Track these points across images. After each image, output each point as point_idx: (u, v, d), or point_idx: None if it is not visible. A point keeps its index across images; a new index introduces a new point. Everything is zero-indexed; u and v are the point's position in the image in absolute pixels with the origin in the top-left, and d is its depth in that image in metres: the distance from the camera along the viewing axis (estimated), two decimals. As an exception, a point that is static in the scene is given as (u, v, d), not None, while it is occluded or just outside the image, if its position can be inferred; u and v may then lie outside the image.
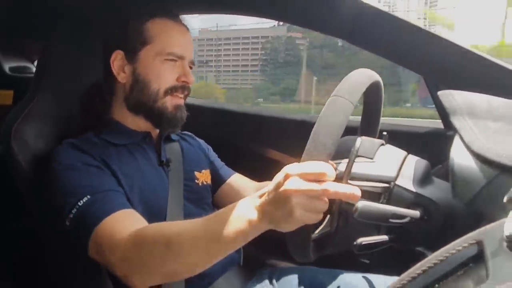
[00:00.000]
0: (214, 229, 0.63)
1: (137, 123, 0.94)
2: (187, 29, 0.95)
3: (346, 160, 0.68)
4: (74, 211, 0.75)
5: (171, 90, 0.90)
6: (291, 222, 0.57)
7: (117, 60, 0.91)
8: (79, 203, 0.75)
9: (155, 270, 0.68)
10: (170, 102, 0.90)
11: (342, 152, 0.70)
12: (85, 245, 0.75)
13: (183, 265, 0.68)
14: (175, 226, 0.72)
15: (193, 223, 0.67)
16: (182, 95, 0.93)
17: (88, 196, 0.76)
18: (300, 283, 0.95)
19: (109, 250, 0.72)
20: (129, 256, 0.69)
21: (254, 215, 0.60)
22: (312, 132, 0.60)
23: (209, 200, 1.02)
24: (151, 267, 0.68)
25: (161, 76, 0.89)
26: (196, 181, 0.99)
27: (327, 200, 0.57)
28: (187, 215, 0.89)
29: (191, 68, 0.94)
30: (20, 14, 1.16)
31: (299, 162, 0.61)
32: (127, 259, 0.69)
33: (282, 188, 0.56)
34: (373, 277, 0.90)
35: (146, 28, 0.90)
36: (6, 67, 1.73)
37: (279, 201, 0.57)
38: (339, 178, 0.67)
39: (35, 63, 1.84)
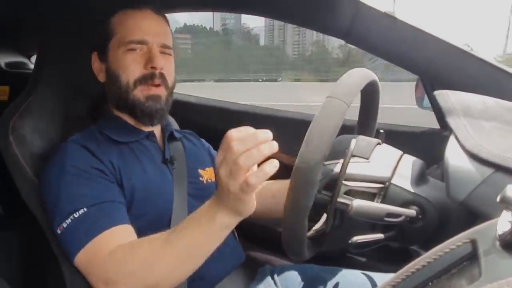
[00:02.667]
0: (188, 241, 0.68)
1: (134, 121, 0.93)
2: (155, 13, 0.91)
3: (342, 161, 0.68)
4: (68, 221, 0.75)
5: (140, 81, 0.87)
6: (248, 187, 0.58)
7: (95, 62, 0.93)
8: (74, 215, 0.75)
9: (138, 285, 0.70)
10: (141, 93, 0.88)
11: (338, 152, 0.70)
12: (73, 256, 0.75)
13: (164, 277, 0.70)
14: (150, 242, 0.71)
15: (167, 237, 0.69)
16: (156, 84, 0.87)
17: (85, 209, 0.75)
18: (300, 280, 0.95)
19: (92, 267, 0.73)
20: (110, 275, 0.71)
21: (218, 212, 0.64)
22: (306, 134, 0.61)
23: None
24: (134, 283, 0.70)
25: (127, 67, 0.87)
26: (200, 178, 0.98)
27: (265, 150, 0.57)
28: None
29: (165, 52, 0.90)
30: (16, 9, 1.16)
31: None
32: (108, 278, 0.71)
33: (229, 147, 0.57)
34: (371, 274, 0.91)
35: (109, 24, 0.91)
36: (2, 62, 1.73)
37: (231, 169, 0.57)
38: (334, 180, 0.68)
39: (32, 58, 1.83)
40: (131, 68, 0.86)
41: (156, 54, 0.87)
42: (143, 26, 0.88)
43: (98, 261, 0.72)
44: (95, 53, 0.92)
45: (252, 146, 0.56)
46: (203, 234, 0.67)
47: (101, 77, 0.92)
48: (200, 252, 0.70)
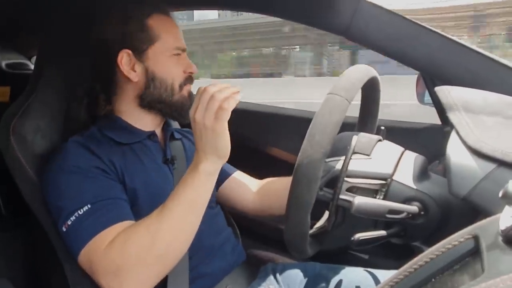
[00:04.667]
0: (180, 202, 0.73)
1: (143, 120, 0.93)
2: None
3: (343, 158, 0.68)
4: (72, 218, 0.75)
5: (184, 83, 0.92)
6: (223, 112, 0.69)
7: (124, 59, 0.89)
8: (79, 212, 0.75)
9: (145, 261, 0.71)
10: (186, 92, 0.93)
11: (339, 149, 0.70)
12: (77, 253, 0.75)
13: (169, 243, 0.72)
14: (147, 218, 0.75)
15: (161, 207, 0.74)
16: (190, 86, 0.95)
17: (89, 206, 0.76)
18: (303, 278, 0.96)
19: (95, 262, 0.73)
20: (115, 262, 0.71)
21: (199, 162, 0.74)
22: (308, 130, 0.61)
23: (214, 197, 1.02)
24: (141, 259, 0.70)
25: (172, 71, 0.91)
26: None
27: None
28: None
29: None
30: (16, 9, 1.16)
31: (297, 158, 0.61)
32: (115, 266, 0.71)
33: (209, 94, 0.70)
34: (374, 271, 0.91)
35: (149, 26, 0.90)
36: (3, 63, 1.73)
37: (207, 106, 0.70)
38: (336, 176, 0.68)
39: (32, 59, 1.83)
40: (176, 72, 0.91)
41: (190, 61, 0.94)
42: (181, 34, 0.95)
43: (100, 255, 0.72)
44: (127, 51, 0.88)
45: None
46: (192, 190, 0.74)
47: (134, 76, 0.89)
48: (195, 208, 0.75)
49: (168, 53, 0.90)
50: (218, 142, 0.72)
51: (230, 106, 0.70)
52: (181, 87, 0.91)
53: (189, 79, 0.93)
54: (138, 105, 0.92)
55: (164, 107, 0.92)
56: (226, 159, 0.75)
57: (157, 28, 0.90)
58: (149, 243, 0.71)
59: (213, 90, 0.70)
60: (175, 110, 0.92)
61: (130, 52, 0.89)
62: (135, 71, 0.90)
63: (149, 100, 0.91)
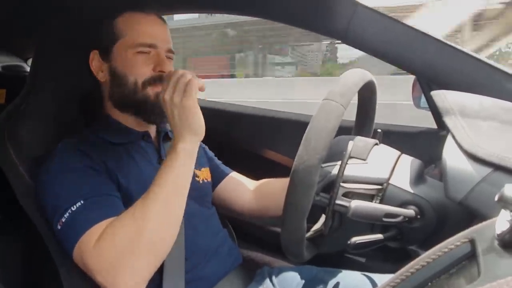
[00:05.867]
0: (164, 185, 0.74)
1: (129, 120, 0.93)
2: (160, 19, 0.93)
3: (339, 162, 0.68)
4: (66, 215, 0.75)
5: (149, 83, 0.88)
6: (191, 86, 0.74)
7: (94, 60, 0.91)
8: (72, 208, 0.75)
9: (135, 251, 0.69)
10: (151, 92, 0.88)
11: (335, 153, 0.70)
12: (71, 250, 0.74)
13: (157, 227, 0.72)
14: (132, 207, 0.74)
15: (146, 193, 0.74)
16: None
17: (82, 201, 0.75)
18: (299, 282, 0.95)
19: (87, 258, 0.72)
20: (107, 253, 0.70)
21: (176, 144, 0.75)
22: (303, 136, 0.61)
23: (210, 197, 1.02)
24: (132, 245, 0.70)
25: (136, 68, 0.87)
26: (196, 178, 0.98)
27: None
28: (189, 213, 0.87)
29: (169, 57, 0.92)
30: (12, 11, 1.15)
31: (293, 161, 0.62)
32: (107, 259, 0.70)
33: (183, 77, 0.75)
34: (371, 275, 0.91)
35: (115, 24, 0.90)
36: (-1, 65, 1.72)
37: (174, 86, 0.75)
38: (332, 182, 0.68)
39: (28, 61, 1.83)
40: (140, 70, 0.88)
41: (164, 58, 0.90)
42: (153, 31, 0.91)
43: (91, 251, 0.71)
44: (95, 52, 0.91)
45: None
46: (173, 171, 0.74)
47: (101, 76, 0.91)
48: (178, 189, 0.75)
49: (132, 50, 0.88)
50: (190, 118, 0.74)
51: (196, 82, 0.74)
52: (145, 86, 0.87)
53: (160, 78, 0.86)
54: (114, 106, 0.92)
55: (131, 107, 0.90)
56: (202, 136, 0.77)
57: (122, 26, 0.90)
58: (136, 232, 0.70)
59: (183, 71, 0.76)
60: (140, 109, 0.89)
61: (97, 52, 0.91)
62: (102, 72, 0.91)
63: (116, 99, 0.91)
